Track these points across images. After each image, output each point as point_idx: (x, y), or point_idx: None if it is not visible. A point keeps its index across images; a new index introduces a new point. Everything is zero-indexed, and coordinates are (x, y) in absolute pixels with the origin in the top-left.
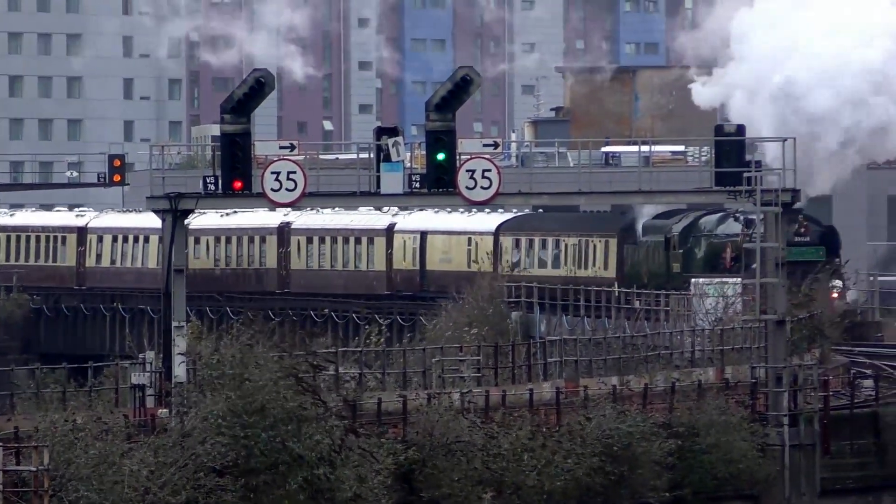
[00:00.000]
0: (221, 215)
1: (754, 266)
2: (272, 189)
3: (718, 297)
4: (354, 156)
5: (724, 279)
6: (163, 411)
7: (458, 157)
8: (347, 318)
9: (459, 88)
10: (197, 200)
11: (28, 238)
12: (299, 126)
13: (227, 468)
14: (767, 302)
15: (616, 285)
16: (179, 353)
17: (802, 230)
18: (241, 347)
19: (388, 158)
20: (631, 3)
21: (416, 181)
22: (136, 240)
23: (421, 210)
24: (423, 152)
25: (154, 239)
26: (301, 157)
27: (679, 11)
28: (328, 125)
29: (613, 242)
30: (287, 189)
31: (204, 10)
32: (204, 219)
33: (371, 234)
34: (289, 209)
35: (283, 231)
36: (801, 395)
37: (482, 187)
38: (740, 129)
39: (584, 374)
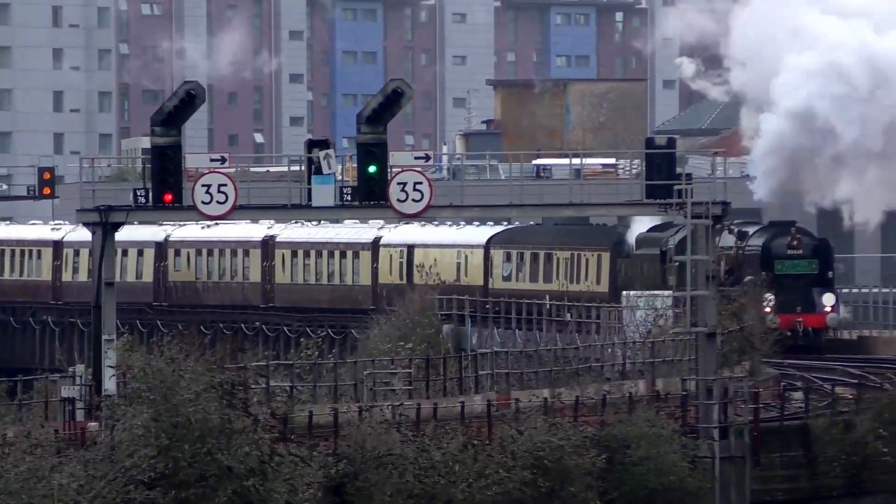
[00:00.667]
0: (202, 227)
1: (752, 278)
2: (203, 202)
3: (649, 310)
4: (285, 168)
5: (655, 292)
6: (92, 425)
7: (389, 170)
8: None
9: (390, 101)
10: (127, 213)
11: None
12: (230, 138)
13: (156, 481)
14: (698, 314)
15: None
16: (109, 366)
17: (795, 243)
18: (167, 360)
19: (319, 171)
20: (562, 16)
21: (347, 194)
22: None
23: (407, 223)
24: (355, 165)
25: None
26: (232, 170)
27: (611, 25)
28: (259, 138)
29: (606, 256)
30: (218, 202)
31: (134, 23)
32: (185, 231)
33: (356, 247)
34: (272, 221)
35: (268, 244)
36: (731, 407)
37: (413, 200)
38: (671, 141)
39: (516, 386)
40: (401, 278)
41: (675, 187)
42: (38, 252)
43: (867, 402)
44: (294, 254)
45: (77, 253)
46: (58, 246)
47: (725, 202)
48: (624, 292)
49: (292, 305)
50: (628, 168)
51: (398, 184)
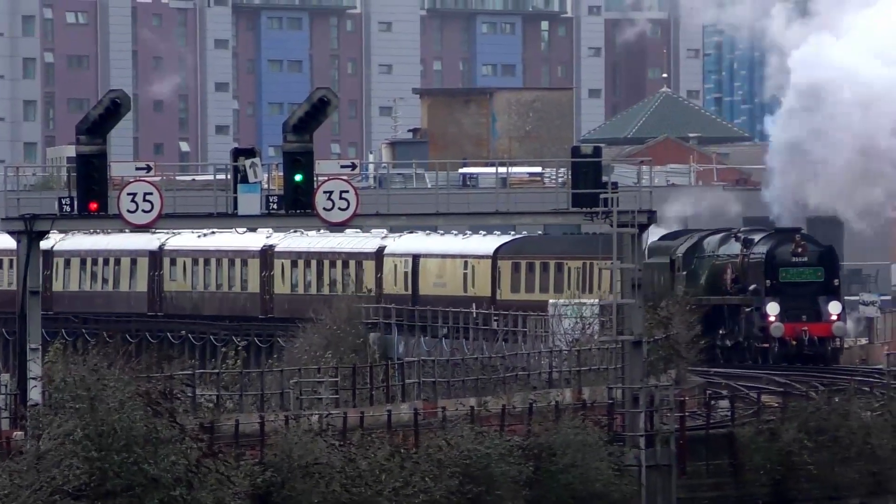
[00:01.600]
0: (199, 236)
1: (755, 286)
2: (128, 210)
3: (576, 319)
4: (211, 177)
5: (583, 300)
6: (18, 434)
7: (315, 179)
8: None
9: (317, 109)
10: (52, 222)
11: None
12: (156, 147)
13: (82, 491)
14: (624, 323)
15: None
16: (33, 377)
17: (800, 250)
18: (90, 370)
19: (245, 180)
20: (488, 25)
21: (273, 202)
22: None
23: (411, 233)
24: (281, 173)
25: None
26: (157, 179)
27: (537, 34)
28: (185, 146)
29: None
30: (143, 210)
31: (59, 31)
32: (180, 239)
33: (360, 257)
34: (270, 230)
35: (266, 253)
36: (657, 415)
37: (339, 208)
38: (596, 150)
39: (443, 395)
40: (406, 289)
41: (601, 196)
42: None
43: (792, 411)
44: (294, 263)
45: None
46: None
47: (651, 211)
48: (551, 301)
49: (292, 316)
50: (554, 177)
51: (324, 192)
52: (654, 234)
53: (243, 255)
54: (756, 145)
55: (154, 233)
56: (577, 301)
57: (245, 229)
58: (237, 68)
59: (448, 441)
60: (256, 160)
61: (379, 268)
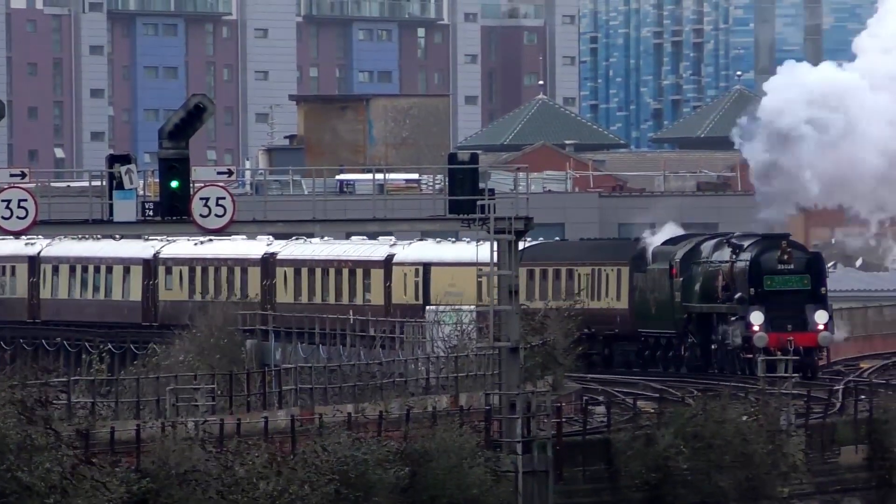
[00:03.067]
0: (195, 243)
1: (740, 294)
2: (3, 217)
3: (454, 325)
4: (87, 184)
5: (461, 307)
6: None
7: (191, 185)
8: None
9: (192, 116)
10: None
11: None
12: (30, 154)
13: None
14: (501, 329)
15: (629, 317)
16: None
17: (786, 257)
18: None
19: (120, 186)
20: (364, 32)
21: (149, 209)
22: None
23: (422, 240)
24: (157, 180)
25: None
26: (32, 185)
27: (413, 41)
28: (60, 153)
29: (626, 271)
30: (18, 217)
31: None
32: (176, 247)
33: (368, 265)
34: (270, 238)
35: (268, 262)
36: (534, 421)
37: (216, 215)
38: (473, 157)
39: (320, 401)
40: (417, 298)
41: (478, 202)
42: None
43: (668, 417)
44: (297, 272)
45: None
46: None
47: (528, 217)
48: (429, 307)
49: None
50: (431, 183)
51: (201, 199)
52: (658, 239)
53: (243, 264)
54: (632, 152)
55: (147, 239)
56: (454, 307)
57: (244, 236)
58: (112, 74)
59: (325, 447)
60: (132, 166)
61: (388, 276)
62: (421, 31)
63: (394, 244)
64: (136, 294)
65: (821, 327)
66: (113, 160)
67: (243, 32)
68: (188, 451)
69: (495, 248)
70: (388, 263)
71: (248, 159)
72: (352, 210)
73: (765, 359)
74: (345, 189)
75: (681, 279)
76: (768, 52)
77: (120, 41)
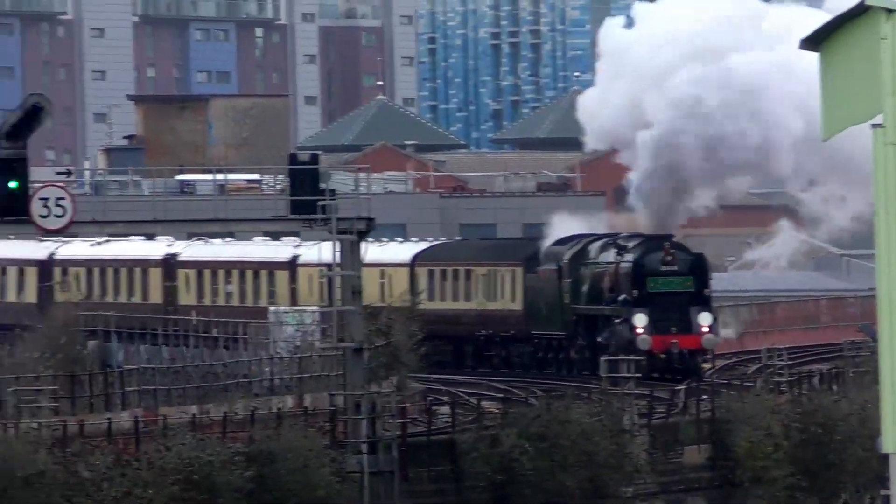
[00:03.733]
0: (92, 244)
1: (624, 296)
2: None
3: (297, 325)
4: None
5: (304, 307)
6: None
7: (30, 186)
8: None
9: (30, 116)
10: None
11: None
12: None
13: None
14: (345, 330)
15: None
16: None
17: (669, 258)
18: None
19: None
20: (201, 32)
21: None
22: None
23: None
24: None
25: None
26: None
27: (251, 41)
28: None
29: (520, 272)
30: None
31: None
32: (72, 248)
33: (273, 266)
34: (171, 238)
35: (169, 263)
36: (379, 422)
37: (56, 215)
38: (314, 157)
39: (164, 402)
40: (321, 299)
41: (320, 203)
42: None
43: (513, 417)
44: (200, 273)
45: None
46: None
47: (370, 218)
48: (271, 308)
49: None
50: (273, 184)
51: (40, 199)
52: (549, 239)
53: (144, 265)
54: (472, 153)
55: (42, 240)
56: (297, 308)
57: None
58: None
59: (169, 448)
60: None
61: (293, 279)
62: (259, 31)
63: (299, 245)
64: (31, 296)
65: (705, 329)
66: None
67: (80, 32)
68: (33, 453)
69: (338, 248)
70: (292, 265)
71: (87, 159)
72: (193, 210)
73: (607, 359)
74: (185, 189)
75: (569, 280)
76: None
77: None
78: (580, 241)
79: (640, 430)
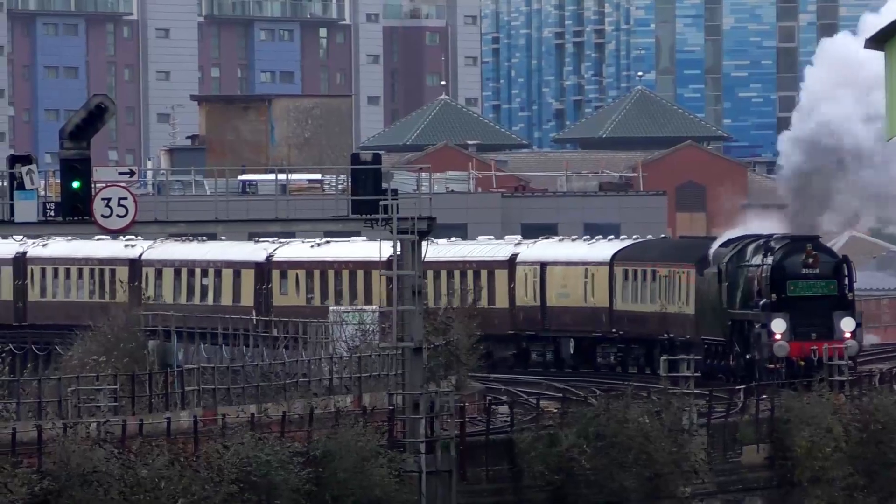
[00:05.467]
0: (313, 246)
1: (765, 301)
2: None
3: (357, 325)
4: None
5: (364, 307)
6: None
7: (93, 186)
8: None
9: (94, 116)
10: None
11: None
12: None
13: None
14: (405, 329)
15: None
16: None
17: (811, 261)
18: None
19: (21, 187)
20: (266, 32)
21: (51, 209)
22: None
23: (547, 238)
24: (58, 180)
25: None
26: None
27: (315, 41)
28: None
29: (693, 274)
30: None
31: None
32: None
33: (492, 265)
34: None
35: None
36: (437, 421)
37: (118, 216)
38: (376, 157)
39: (223, 402)
40: (535, 300)
41: (381, 202)
42: None
43: (571, 417)
44: (437, 275)
45: None
46: None
47: (431, 217)
48: (332, 307)
49: None
50: (334, 184)
51: (102, 199)
52: (721, 239)
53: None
54: (534, 152)
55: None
56: (357, 307)
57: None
58: (13, 74)
59: (227, 447)
60: (33, 167)
61: (511, 277)
62: (323, 31)
63: (518, 243)
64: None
65: (847, 335)
66: (14, 160)
67: (144, 32)
68: (90, 451)
69: (398, 248)
70: (512, 263)
71: (149, 159)
72: (254, 210)
73: (667, 358)
74: (247, 189)
75: (726, 284)
76: (669, 53)
77: (20, 40)
78: (741, 242)
79: (699, 430)
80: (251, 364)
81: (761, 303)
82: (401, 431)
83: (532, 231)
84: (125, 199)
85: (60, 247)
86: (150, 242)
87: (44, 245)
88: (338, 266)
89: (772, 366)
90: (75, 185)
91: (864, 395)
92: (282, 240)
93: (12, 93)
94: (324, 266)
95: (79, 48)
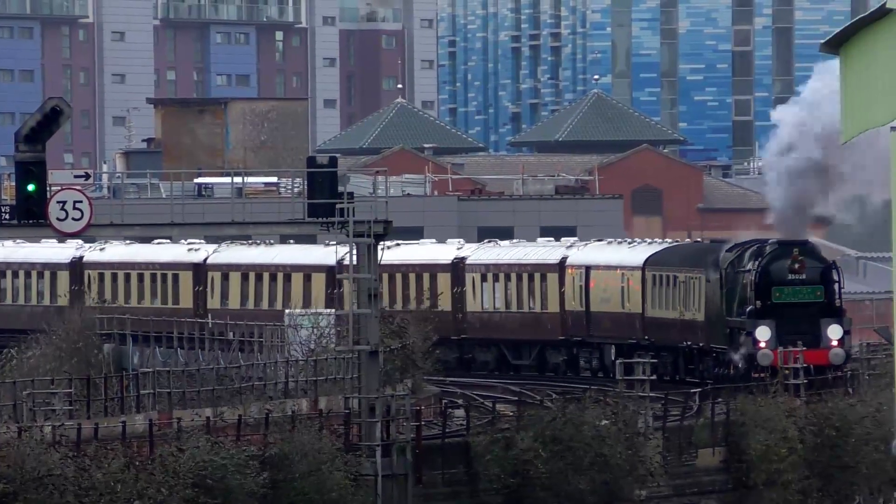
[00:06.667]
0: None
1: (751, 307)
2: None
3: (312, 328)
4: None
5: (319, 310)
6: None
7: (48, 189)
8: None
9: (49, 119)
10: None
11: None
12: None
13: None
14: (360, 333)
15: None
16: None
17: (797, 266)
18: None
19: None
20: (222, 35)
21: (5, 212)
22: None
23: (599, 240)
24: (13, 183)
25: None
26: None
27: (271, 44)
28: None
29: (703, 279)
30: None
31: None
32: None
33: (543, 269)
34: (461, 241)
35: (458, 266)
36: (393, 425)
37: (73, 219)
38: (332, 160)
39: (178, 405)
40: (581, 304)
41: (338, 206)
42: None
43: (527, 420)
44: (484, 277)
45: None
46: None
47: (387, 220)
48: (287, 311)
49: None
50: (291, 187)
51: (57, 202)
52: (730, 243)
53: (435, 269)
54: (490, 156)
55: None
56: (313, 311)
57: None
58: None
59: (182, 450)
60: None
61: (562, 281)
62: (279, 35)
63: (570, 245)
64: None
65: (834, 343)
66: None
67: (100, 35)
68: (45, 455)
69: (354, 251)
70: (561, 267)
71: (105, 162)
72: (210, 214)
73: (622, 361)
74: (203, 193)
75: (726, 290)
76: (625, 57)
77: None
78: (742, 247)
79: (655, 433)
80: (206, 367)
81: (748, 309)
82: (357, 435)
83: (487, 234)
84: (80, 202)
85: (118, 251)
86: (214, 246)
87: (101, 249)
88: (418, 269)
89: (757, 374)
90: (30, 187)
91: (819, 398)
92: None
93: None
94: (404, 269)
95: (34, 51)
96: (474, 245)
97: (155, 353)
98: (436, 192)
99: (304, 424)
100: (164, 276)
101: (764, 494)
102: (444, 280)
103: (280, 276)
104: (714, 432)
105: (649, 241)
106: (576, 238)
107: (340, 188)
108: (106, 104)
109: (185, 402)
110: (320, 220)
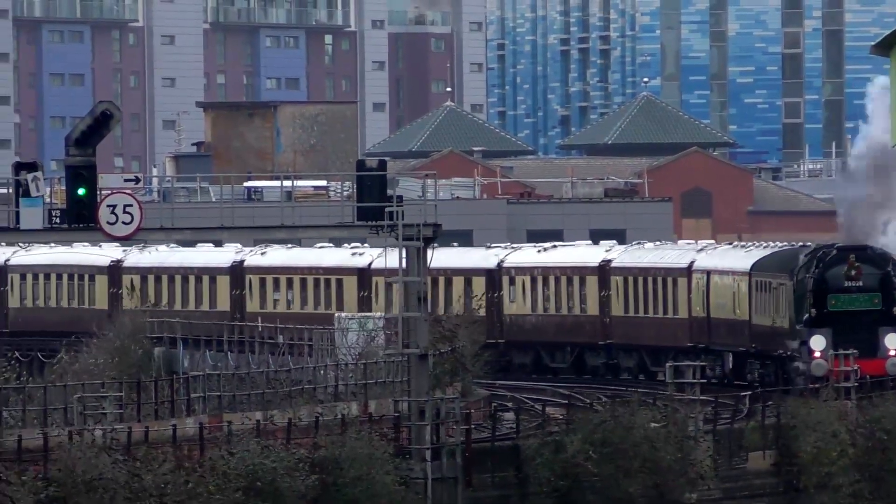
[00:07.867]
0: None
1: (804, 316)
2: None
3: (360, 332)
4: None
5: (367, 314)
6: None
7: (98, 192)
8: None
9: (99, 123)
10: None
11: None
12: None
13: None
14: (410, 336)
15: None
16: None
17: (853, 273)
18: None
19: (27, 194)
20: (271, 39)
21: (56, 216)
22: None
23: (728, 244)
24: (64, 188)
25: None
26: None
27: (320, 47)
28: None
29: (790, 284)
30: None
31: None
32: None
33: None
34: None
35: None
36: (443, 428)
37: (123, 222)
38: (381, 164)
39: (228, 409)
40: (703, 311)
41: (387, 209)
42: None
43: (577, 423)
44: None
45: None
46: None
47: (436, 224)
48: (336, 314)
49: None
50: (340, 190)
51: (108, 206)
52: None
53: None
54: (539, 159)
55: None
56: (361, 315)
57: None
58: (18, 82)
59: (233, 454)
60: (38, 174)
61: (689, 286)
62: (328, 38)
63: (609, 249)
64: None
65: (892, 353)
66: (19, 167)
67: (150, 39)
68: (95, 458)
69: (404, 255)
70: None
71: (155, 166)
72: (260, 217)
73: (672, 364)
74: (252, 196)
75: (796, 295)
76: (674, 59)
77: (25, 48)
78: (815, 252)
79: (705, 436)
80: (257, 371)
81: (804, 318)
82: (407, 438)
83: (536, 237)
84: (130, 205)
85: (280, 255)
86: (378, 251)
87: (262, 253)
88: (569, 272)
89: (812, 385)
90: (81, 191)
91: (870, 401)
92: (513, 245)
93: (18, 100)
94: (550, 272)
95: (84, 55)
96: (621, 247)
97: (205, 357)
98: (485, 196)
99: (354, 428)
100: (327, 281)
101: (815, 498)
102: (592, 284)
103: (442, 279)
104: (764, 435)
105: (764, 244)
106: (711, 241)
107: (389, 191)
108: (156, 108)
109: (235, 405)
110: (370, 223)
